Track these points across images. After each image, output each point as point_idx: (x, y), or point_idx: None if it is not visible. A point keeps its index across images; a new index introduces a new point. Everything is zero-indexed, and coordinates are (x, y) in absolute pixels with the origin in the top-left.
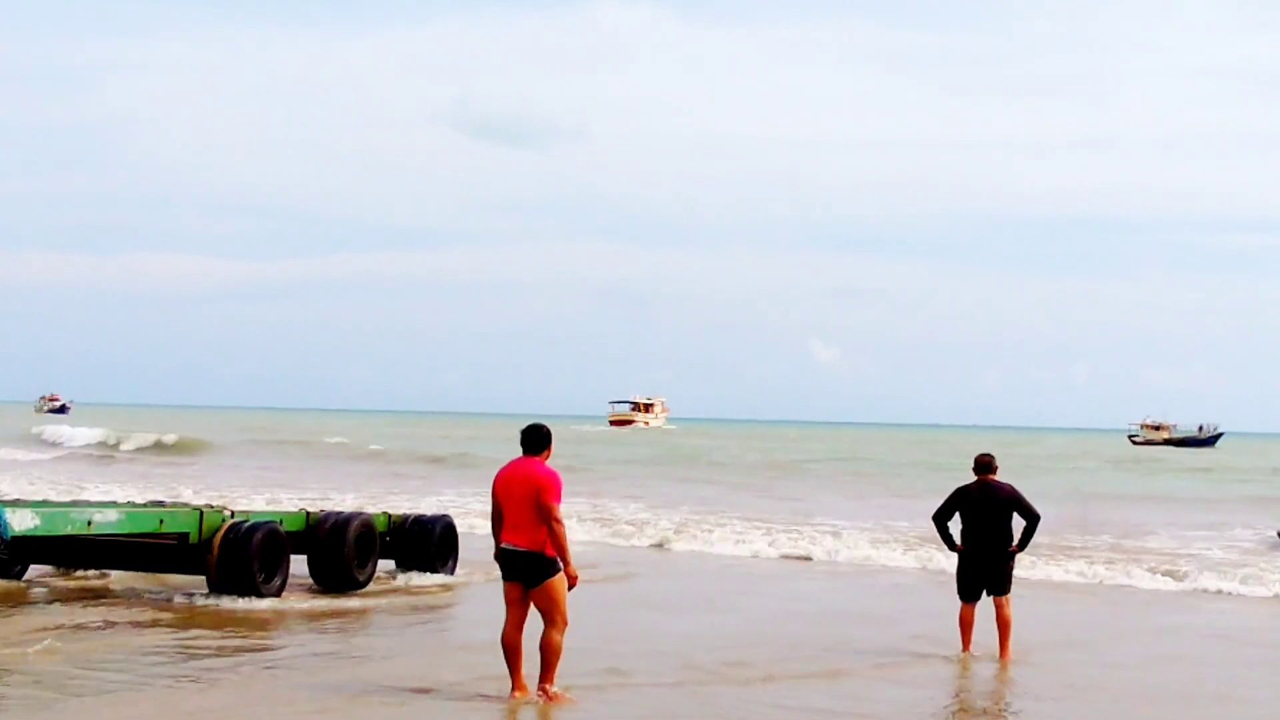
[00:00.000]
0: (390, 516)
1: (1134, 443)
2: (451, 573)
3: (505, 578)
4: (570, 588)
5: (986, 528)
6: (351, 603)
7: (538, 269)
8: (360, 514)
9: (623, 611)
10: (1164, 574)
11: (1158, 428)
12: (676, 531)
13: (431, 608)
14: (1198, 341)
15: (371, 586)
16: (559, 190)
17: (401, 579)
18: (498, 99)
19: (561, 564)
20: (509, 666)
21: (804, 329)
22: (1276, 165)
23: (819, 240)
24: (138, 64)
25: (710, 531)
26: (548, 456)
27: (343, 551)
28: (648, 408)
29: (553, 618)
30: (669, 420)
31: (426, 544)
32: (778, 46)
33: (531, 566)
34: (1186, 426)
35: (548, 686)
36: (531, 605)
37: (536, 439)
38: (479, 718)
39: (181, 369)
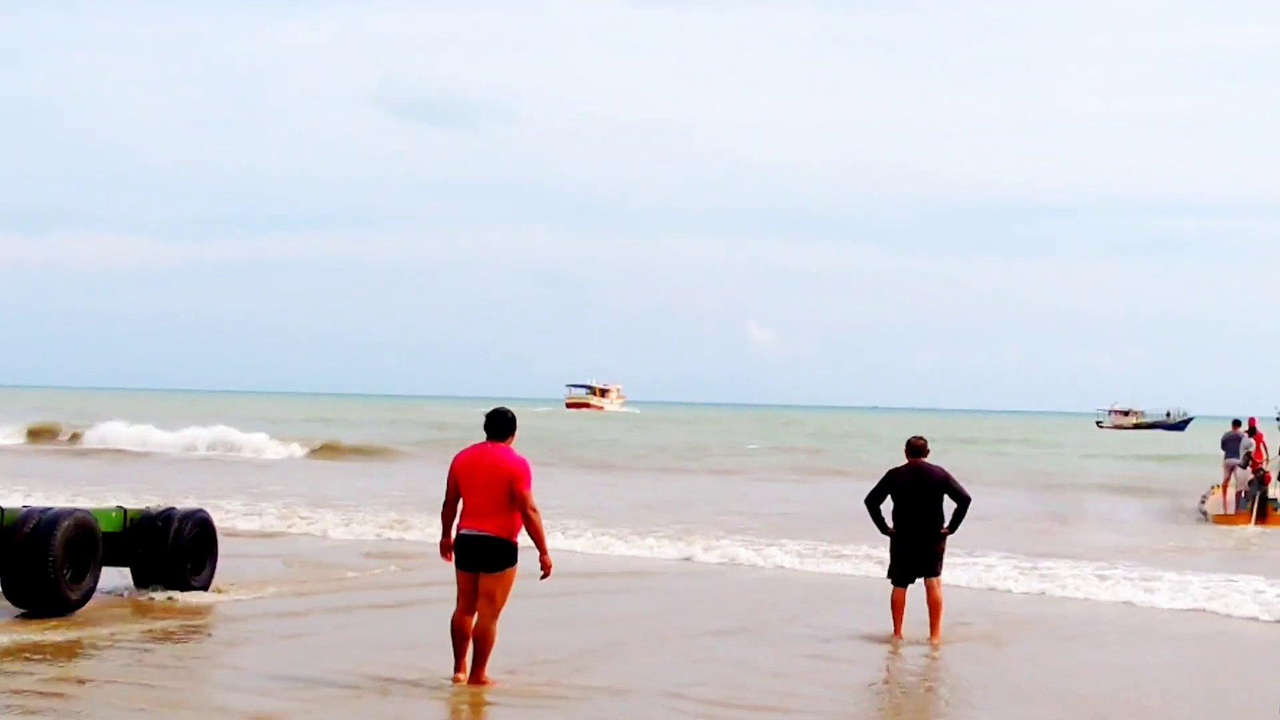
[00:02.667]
0: (127, 513)
1: (1101, 427)
2: (206, 587)
3: (460, 565)
4: (544, 576)
5: (918, 510)
6: (55, 636)
7: (472, 252)
8: (75, 510)
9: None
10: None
11: (1126, 413)
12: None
13: (177, 638)
14: (1133, 325)
15: (91, 607)
16: (492, 173)
17: (135, 595)
18: (426, 79)
19: (538, 552)
20: (455, 650)
21: (741, 312)
22: (1213, 150)
23: (756, 223)
24: (69, 42)
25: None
26: (513, 442)
27: (47, 561)
28: (604, 392)
29: (495, 605)
30: (625, 405)
31: (174, 550)
32: (715, 28)
33: (497, 552)
34: (1154, 412)
35: (482, 674)
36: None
37: (503, 424)
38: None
39: (115, 350)
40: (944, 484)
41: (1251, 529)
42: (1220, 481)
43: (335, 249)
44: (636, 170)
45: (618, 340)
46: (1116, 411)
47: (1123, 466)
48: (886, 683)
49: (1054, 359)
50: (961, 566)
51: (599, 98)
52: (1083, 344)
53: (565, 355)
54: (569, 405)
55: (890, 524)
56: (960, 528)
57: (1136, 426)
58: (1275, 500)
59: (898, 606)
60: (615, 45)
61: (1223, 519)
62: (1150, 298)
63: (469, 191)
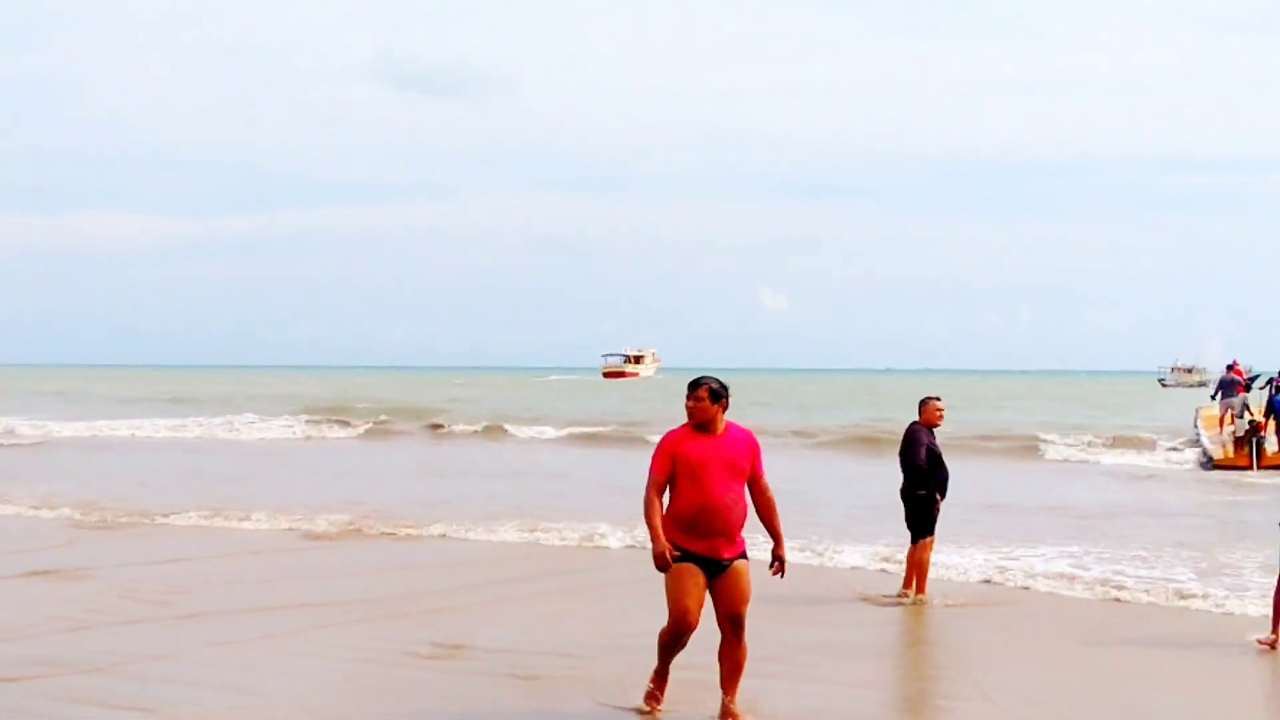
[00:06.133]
0: None
1: (1164, 386)
2: None
3: None
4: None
5: (903, 471)
6: None
7: (481, 222)
8: None
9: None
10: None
11: (1189, 370)
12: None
13: None
14: (1144, 282)
15: None
16: (498, 143)
17: None
18: (425, 51)
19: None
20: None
21: (752, 277)
22: (1222, 106)
23: (765, 188)
24: (75, 21)
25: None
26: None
27: None
28: (638, 359)
29: None
30: (659, 371)
31: None
32: None
33: None
34: (1216, 370)
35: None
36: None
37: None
38: None
39: (130, 328)
40: (904, 443)
41: (1253, 473)
42: (1218, 417)
43: (345, 223)
44: (642, 138)
45: (629, 307)
46: (1179, 369)
47: None
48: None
49: (1065, 318)
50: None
51: (601, 66)
52: (1093, 303)
53: (577, 323)
54: (606, 375)
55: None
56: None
57: (1201, 384)
58: (1266, 447)
59: (907, 563)
60: (616, 13)
61: (1224, 462)
62: (1162, 254)
63: (475, 162)
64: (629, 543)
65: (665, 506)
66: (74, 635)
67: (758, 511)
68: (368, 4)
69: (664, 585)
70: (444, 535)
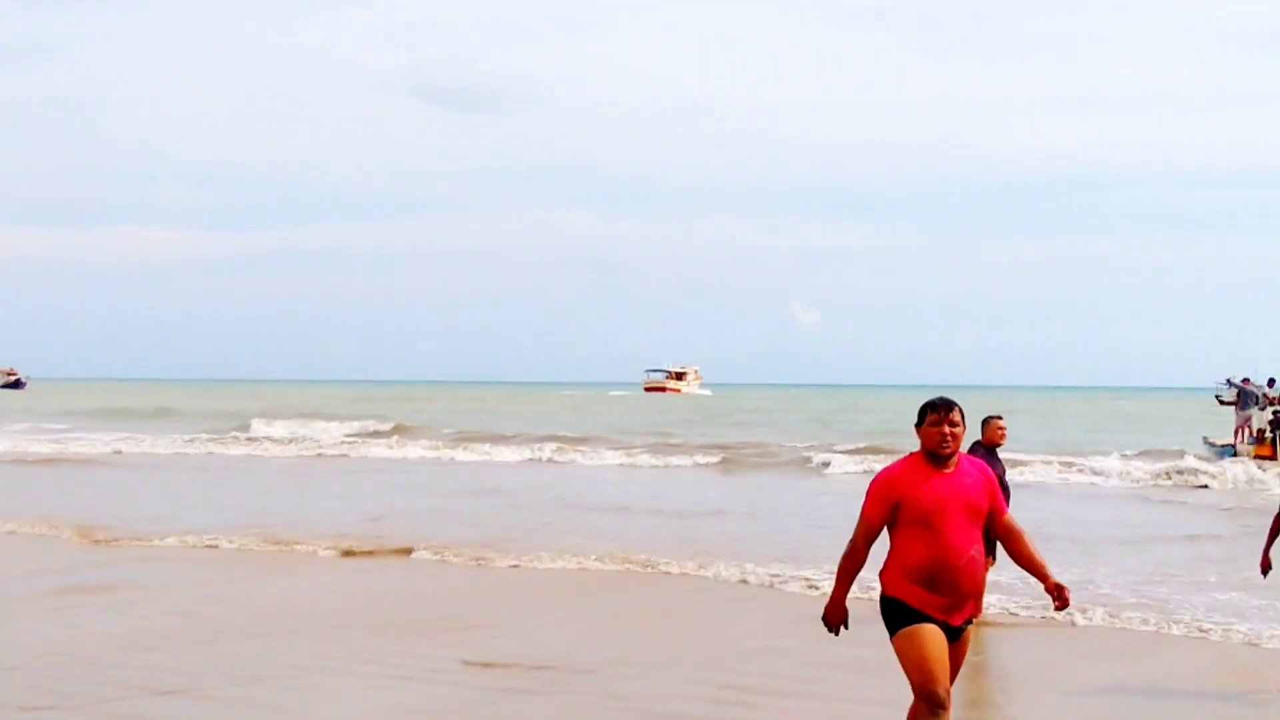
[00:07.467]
0: None
1: (1221, 403)
2: None
3: None
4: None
5: None
6: None
7: (509, 237)
8: None
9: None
10: None
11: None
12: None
13: None
14: (1172, 299)
15: None
16: (525, 158)
17: None
18: (451, 66)
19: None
20: None
21: (785, 292)
22: (1254, 122)
23: (797, 202)
24: (106, 36)
25: None
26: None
27: None
28: (680, 375)
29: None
30: (702, 387)
31: None
32: (745, 7)
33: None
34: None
35: None
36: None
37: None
38: None
39: (161, 342)
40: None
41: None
42: (1235, 427)
43: (374, 238)
44: (670, 153)
45: (660, 323)
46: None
47: None
48: None
49: (1093, 334)
50: None
51: (630, 80)
52: (1122, 319)
53: (609, 339)
54: (647, 389)
55: None
56: None
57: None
58: None
59: None
60: (644, 27)
61: (1261, 450)
62: (1195, 270)
63: (504, 177)
64: (681, 570)
65: (888, 555)
66: (132, 655)
67: (1010, 550)
68: (396, 20)
69: (900, 655)
70: (479, 557)
